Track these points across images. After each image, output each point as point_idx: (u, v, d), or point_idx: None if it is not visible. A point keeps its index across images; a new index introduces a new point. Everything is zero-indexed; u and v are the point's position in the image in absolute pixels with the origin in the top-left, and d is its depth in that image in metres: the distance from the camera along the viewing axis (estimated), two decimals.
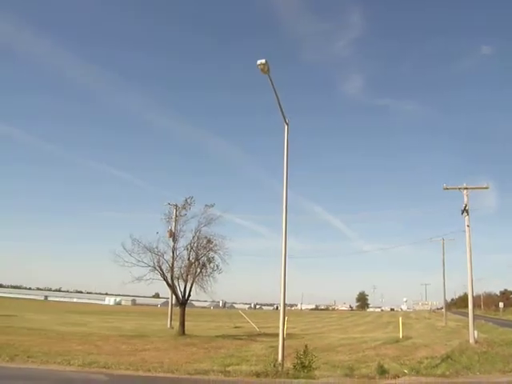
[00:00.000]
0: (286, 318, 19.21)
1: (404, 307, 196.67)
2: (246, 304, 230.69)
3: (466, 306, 38.07)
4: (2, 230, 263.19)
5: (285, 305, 16.50)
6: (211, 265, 33.51)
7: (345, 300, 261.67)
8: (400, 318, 41.23)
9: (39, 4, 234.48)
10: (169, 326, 42.21)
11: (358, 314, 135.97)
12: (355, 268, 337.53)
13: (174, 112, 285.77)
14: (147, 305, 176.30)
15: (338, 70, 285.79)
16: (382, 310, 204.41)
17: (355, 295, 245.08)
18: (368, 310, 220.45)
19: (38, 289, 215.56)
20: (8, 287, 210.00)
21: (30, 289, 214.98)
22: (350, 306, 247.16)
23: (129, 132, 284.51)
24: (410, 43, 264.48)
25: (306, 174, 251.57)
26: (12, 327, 31.30)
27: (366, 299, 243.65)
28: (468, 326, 30.42)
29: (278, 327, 15.95)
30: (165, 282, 32.91)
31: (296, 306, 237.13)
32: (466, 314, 35.87)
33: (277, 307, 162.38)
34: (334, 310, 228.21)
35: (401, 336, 35.10)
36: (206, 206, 34.06)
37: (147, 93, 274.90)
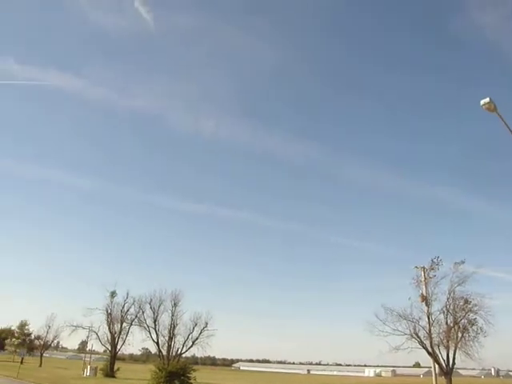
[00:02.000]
0: None
1: None
2: None
3: None
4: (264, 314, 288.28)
5: None
6: (473, 327, 30.47)
7: None
8: None
9: None
10: None
11: None
12: None
13: (404, 169, 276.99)
14: (408, 375, 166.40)
15: None
16: None
17: None
18: None
19: (301, 363, 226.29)
20: (274, 362, 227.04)
21: (293, 363, 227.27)
22: None
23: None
24: None
25: None
26: None
27: None
28: None
29: None
30: (424, 350, 31.11)
31: None
32: None
33: None
34: None
35: None
36: (456, 263, 31.88)
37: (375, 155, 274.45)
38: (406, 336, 31.05)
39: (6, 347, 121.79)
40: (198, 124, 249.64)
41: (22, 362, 70.39)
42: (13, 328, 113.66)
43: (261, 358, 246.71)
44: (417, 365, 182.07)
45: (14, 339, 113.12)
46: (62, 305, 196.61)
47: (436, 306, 32.58)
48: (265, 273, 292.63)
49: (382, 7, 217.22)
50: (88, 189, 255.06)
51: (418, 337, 31.08)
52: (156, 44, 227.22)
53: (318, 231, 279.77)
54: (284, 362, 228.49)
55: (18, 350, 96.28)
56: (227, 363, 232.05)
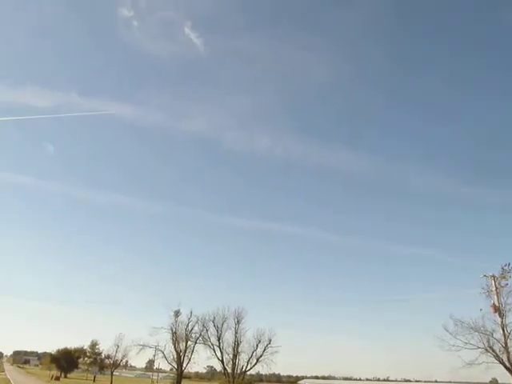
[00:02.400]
0: None
1: None
2: None
3: None
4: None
5: None
6: None
7: None
8: None
9: None
10: None
11: None
12: None
13: (466, 175, 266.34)
14: None
15: None
16: None
17: None
18: None
19: (367, 379, 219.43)
20: (340, 379, 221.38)
21: (359, 379, 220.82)
22: None
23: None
24: None
25: None
26: None
27: None
28: None
29: None
30: (502, 366, 29.30)
31: None
32: None
33: None
34: None
35: None
36: None
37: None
38: (479, 350, 29.40)
39: (80, 366, 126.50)
40: (252, 142, 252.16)
41: (94, 380, 73.19)
42: (85, 347, 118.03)
43: (326, 374, 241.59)
44: (494, 381, 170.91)
45: (86, 358, 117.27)
46: (129, 323, 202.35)
47: (511, 317, 30.69)
48: (316, 287, 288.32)
49: (435, 16, 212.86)
50: (152, 210, 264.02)
51: (493, 351, 29.34)
52: (207, 67, 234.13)
53: (378, 242, 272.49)
54: (350, 379, 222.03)
55: (90, 369, 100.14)
56: (292, 380, 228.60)
